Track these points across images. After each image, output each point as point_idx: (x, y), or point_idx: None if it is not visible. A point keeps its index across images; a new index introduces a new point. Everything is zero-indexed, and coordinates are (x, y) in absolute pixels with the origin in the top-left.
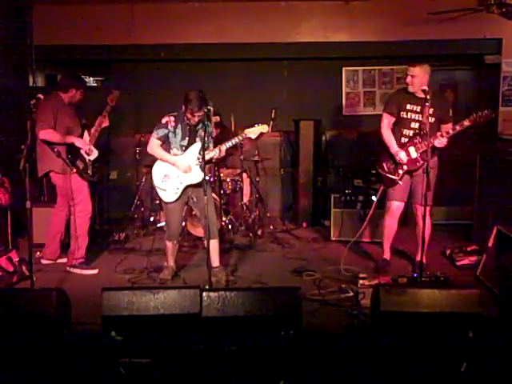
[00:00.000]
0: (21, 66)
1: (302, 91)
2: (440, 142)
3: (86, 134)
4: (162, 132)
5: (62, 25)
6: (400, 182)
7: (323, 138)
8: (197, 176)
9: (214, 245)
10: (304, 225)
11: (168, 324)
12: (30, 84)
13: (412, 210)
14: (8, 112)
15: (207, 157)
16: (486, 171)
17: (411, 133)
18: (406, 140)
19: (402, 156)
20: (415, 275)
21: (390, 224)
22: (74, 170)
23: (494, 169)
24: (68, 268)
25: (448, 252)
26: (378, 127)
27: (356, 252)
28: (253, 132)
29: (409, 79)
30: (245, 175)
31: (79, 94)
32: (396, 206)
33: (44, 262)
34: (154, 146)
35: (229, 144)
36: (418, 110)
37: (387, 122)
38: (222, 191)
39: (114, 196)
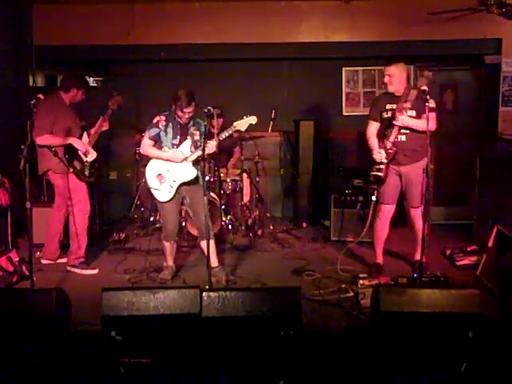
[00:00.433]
0: (21, 66)
1: (302, 91)
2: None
3: (84, 135)
4: (153, 131)
5: (62, 25)
6: (384, 176)
7: (323, 137)
8: (190, 173)
9: (210, 245)
10: (304, 225)
11: (168, 324)
12: (30, 84)
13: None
14: (8, 112)
15: (198, 154)
16: (486, 171)
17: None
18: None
19: (377, 157)
20: (415, 275)
21: (381, 227)
22: (71, 170)
23: (494, 169)
24: (68, 268)
25: (448, 252)
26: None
27: (354, 252)
28: (241, 124)
29: (386, 79)
30: (245, 175)
31: (81, 93)
32: (387, 209)
33: (44, 262)
34: (146, 145)
35: (219, 138)
36: (414, 114)
37: (372, 128)
38: (221, 191)
39: (113, 196)
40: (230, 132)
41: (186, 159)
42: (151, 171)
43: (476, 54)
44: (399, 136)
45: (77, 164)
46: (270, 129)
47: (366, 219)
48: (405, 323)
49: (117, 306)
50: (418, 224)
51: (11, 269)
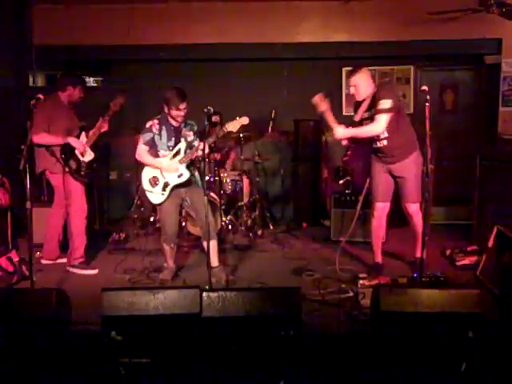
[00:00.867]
0: (21, 66)
1: (302, 91)
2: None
3: (82, 135)
4: (147, 136)
5: (62, 25)
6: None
7: (323, 138)
8: (182, 176)
9: (212, 245)
10: (304, 225)
11: (168, 324)
12: (30, 84)
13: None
14: (8, 112)
15: (192, 156)
16: (486, 171)
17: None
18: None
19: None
20: (415, 275)
21: (377, 226)
22: (67, 170)
23: (494, 169)
24: (68, 268)
25: (448, 252)
26: None
27: (353, 252)
28: (233, 125)
29: (352, 90)
30: (245, 175)
31: (78, 91)
32: (380, 207)
33: (44, 262)
34: (141, 152)
35: (211, 140)
36: (366, 115)
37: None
38: (221, 191)
39: (113, 196)
40: (221, 134)
41: (181, 162)
42: (146, 174)
43: (476, 53)
44: (382, 141)
45: (72, 164)
46: (269, 129)
47: (364, 219)
48: (405, 323)
49: (117, 306)
50: (416, 219)
51: (11, 269)
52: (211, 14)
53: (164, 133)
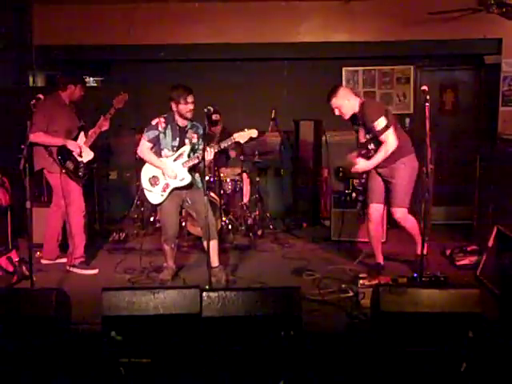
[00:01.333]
0: (21, 66)
1: (302, 91)
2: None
3: (81, 135)
4: (152, 134)
5: (61, 25)
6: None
7: (323, 138)
8: (184, 179)
9: (213, 245)
10: (304, 225)
11: (168, 324)
12: (30, 84)
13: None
14: (8, 112)
15: (195, 161)
16: (486, 171)
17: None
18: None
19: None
20: (415, 275)
21: (373, 228)
22: (63, 171)
23: (494, 169)
24: (68, 268)
25: (448, 252)
26: None
27: (354, 252)
28: (242, 137)
29: (336, 112)
30: (245, 175)
31: (79, 89)
32: (375, 208)
33: (43, 262)
34: (144, 149)
35: (216, 148)
36: (369, 137)
37: None
38: (221, 191)
39: (113, 196)
40: (229, 143)
41: (183, 165)
42: (147, 172)
43: (476, 53)
44: (371, 146)
45: (70, 164)
46: (269, 129)
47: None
48: (405, 323)
49: (117, 306)
50: (404, 224)
51: (11, 269)
52: (211, 14)
53: (169, 132)
